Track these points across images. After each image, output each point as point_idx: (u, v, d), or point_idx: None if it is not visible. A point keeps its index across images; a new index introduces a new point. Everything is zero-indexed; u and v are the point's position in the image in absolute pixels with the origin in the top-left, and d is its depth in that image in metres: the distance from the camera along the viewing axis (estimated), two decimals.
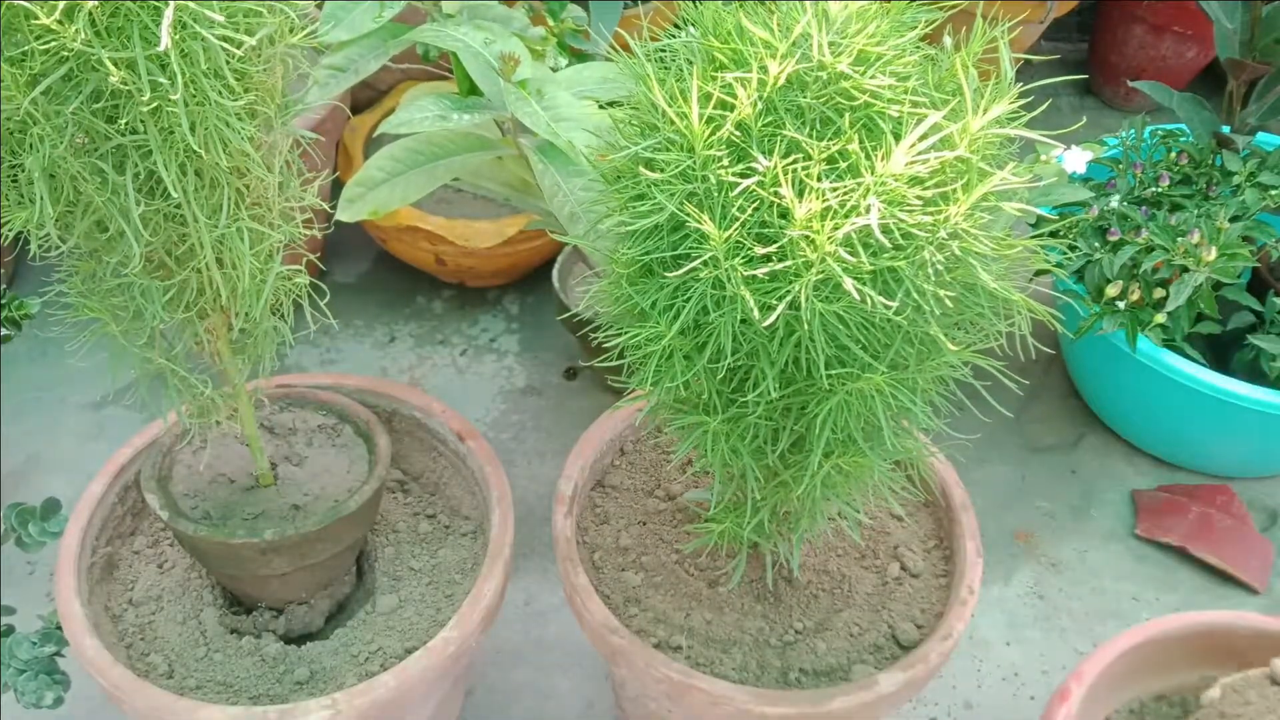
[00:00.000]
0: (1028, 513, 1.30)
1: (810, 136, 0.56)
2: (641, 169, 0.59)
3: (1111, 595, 1.22)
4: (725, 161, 0.56)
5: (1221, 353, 1.28)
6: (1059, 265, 1.19)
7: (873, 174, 0.54)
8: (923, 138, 0.54)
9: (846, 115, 0.56)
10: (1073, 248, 1.23)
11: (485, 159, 0.94)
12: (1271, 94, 1.30)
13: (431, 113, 0.87)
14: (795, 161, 0.55)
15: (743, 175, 0.56)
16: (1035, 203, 1.13)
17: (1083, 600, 1.21)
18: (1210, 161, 1.31)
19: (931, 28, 0.60)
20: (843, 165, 0.56)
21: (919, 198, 0.54)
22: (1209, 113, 1.32)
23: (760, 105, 0.56)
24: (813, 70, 0.56)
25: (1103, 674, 0.85)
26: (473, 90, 0.91)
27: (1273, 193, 1.24)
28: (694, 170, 0.57)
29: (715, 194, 0.57)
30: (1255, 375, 1.20)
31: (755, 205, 0.56)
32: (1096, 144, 1.23)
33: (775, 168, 0.55)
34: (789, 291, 0.55)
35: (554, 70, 0.99)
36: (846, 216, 0.53)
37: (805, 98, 0.57)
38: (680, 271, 0.57)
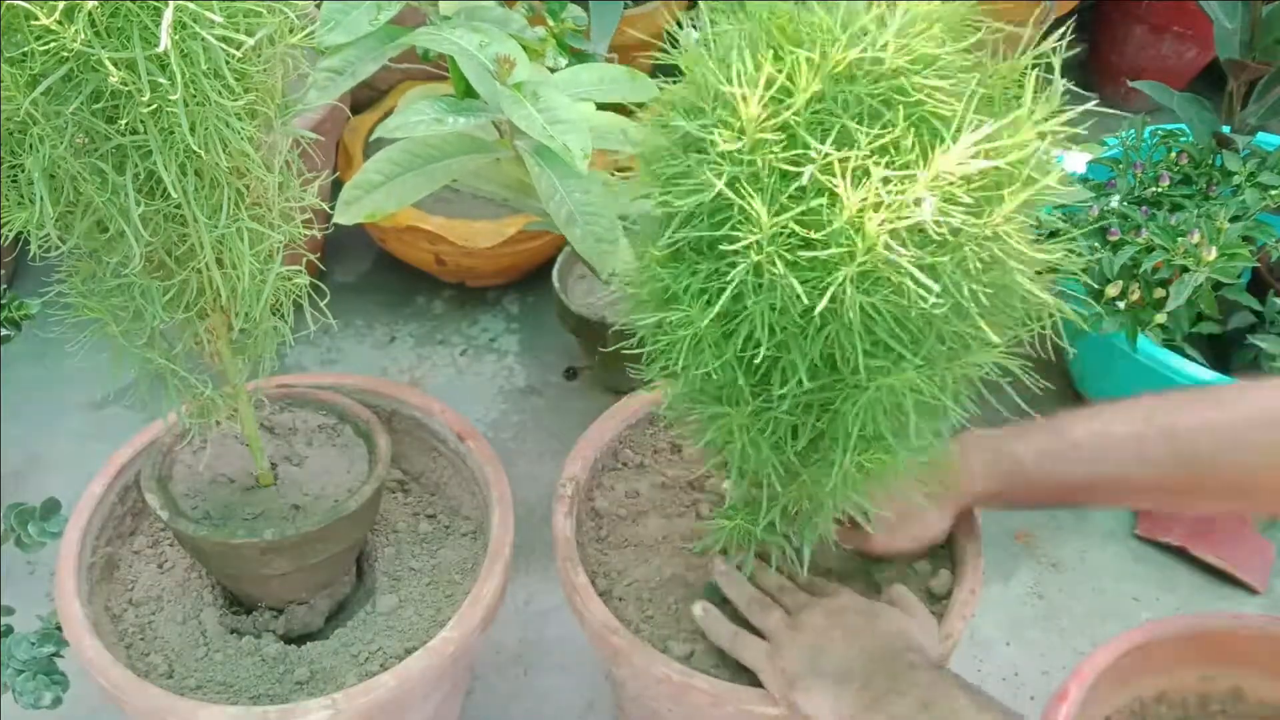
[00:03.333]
0: (1028, 513, 1.30)
1: (861, 129, 0.56)
2: (691, 151, 0.58)
3: (1111, 595, 1.22)
4: (776, 147, 0.56)
5: (1221, 353, 1.28)
6: (1056, 269, 1.19)
7: (926, 169, 0.54)
8: (983, 140, 0.54)
9: (900, 109, 0.56)
10: (1074, 248, 1.23)
11: (483, 161, 0.94)
12: (1271, 94, 1.30)
13: (428, 116, 0.87)
14: (847, 152, 0.55)
15: (792, 162, 0.56)
16: (1037, 204, 1.13)
17: (1083, 600, 1.21)
18: (1210, 161, 1.31)
19: (991, 37, 0.60)
20: (895, 158, 0.56)
21: (970, 195, 0.54)
22: (1209, 113, 1.32)
23: (812, 93, 0.56)
24: (864, 64, 0.56)
25: (1103, 674, 0.85)
26: (469, 93, 0.91)
27: (1273, 193, 1.25)
28: (743, 153, 0.57)
29: (763, 178, 0.57)
30: (1255, 375, 1.20)
31: (802, 192, 0.56)
32: (1096, 144, 1.23)
33: (828, 156, 0.55)
34: (831, 281, 0.55)
35: (553, 71, 0.99)
36: (897, 210, 0.54)
37: (857, 89, 0.57)
38: (727, 249, 0.57)
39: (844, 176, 0.54)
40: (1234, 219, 1.21)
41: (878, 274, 0.54)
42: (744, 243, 0.56)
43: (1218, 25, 1.31)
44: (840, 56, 0.55)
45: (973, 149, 0.54)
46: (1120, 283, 1.19)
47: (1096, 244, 1.22)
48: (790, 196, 0.56)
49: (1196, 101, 1.32)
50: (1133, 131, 1.34)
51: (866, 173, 0.54)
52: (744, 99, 0.55)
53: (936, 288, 0.55)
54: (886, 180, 0.54)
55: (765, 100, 0.56)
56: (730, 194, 0.56)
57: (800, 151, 0.56)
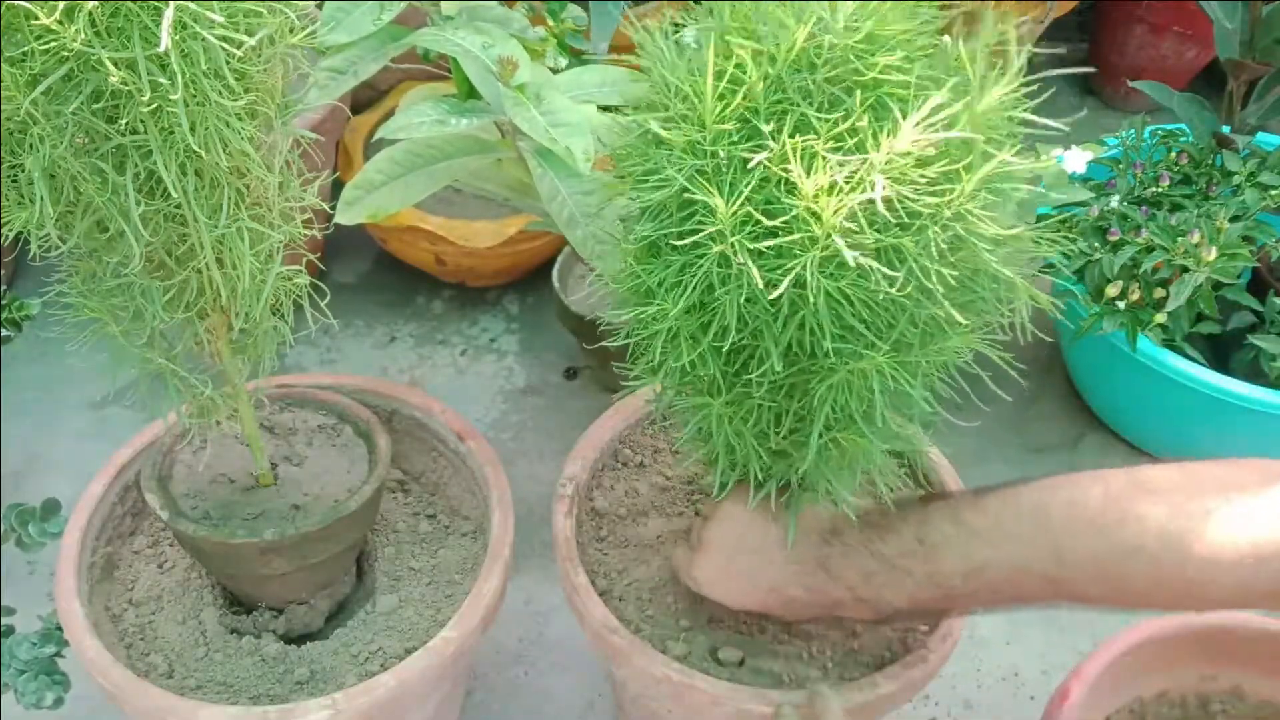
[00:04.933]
0: None
1: (818, 115, 0.57)
2: (656, 146, 0.59)
3: None
4: (734, 137, 0.57)
5: (1221, 353, 1.28)
6: (1054, 266, 1.19)
7: (879, 151, 0.54)
8: (929, 115, 0.54)
9: (856, 95, 0.57)
10: (1073, 246, 1.23)
11: (485, 161, 0.94)
12: (1271, 94, 1.30)
13: (429, 117, 0.87)
14: (804, 139, 0.56)
15: (753, 152, 0.56)
16: (1036, 203, 1.13)
17: None
18: (1210, 161, 1.31)
19: (942, 24, 0.60)
20: (850, 143, 0.56)
21: (924, 177, 0.55)
22: (1209, 113, 1.32)
23: (770, 82, 0.57)
24: (822, 50, 0.57)
25: (1103, 674, 0.85)
26: (471, 94, 0.91)
27: (1273, 193, 1.24)
28: (703, 145, 0.57)
29: (724, 170, 0.57)
30: (1255, 375, 1.20)
31: (762, 180, 0.56)
32: (1096, 144, 1.23)
33: (783, 144, 0.55)
34: (794, 268, 0.55)
35: (554, 71, 0.99)
36: (853, 192, 0.54)
37: (814, 78, 0.57)
38: (687, 242, 0.57)
39: (799, 162, 0.54)
40: (1234, 219, 1.21)
41: (841, 258, 0.55)
42: (707, 233, 0.56)
43: (1218, 25, 1.31)
44: (790, 45, 0.55)
45: (924, 125, 0.54)
46: (1120, 283, 1.19)
47: (1096, 244, 1.22)
48: (752, 186, 0.56)
49: (1196, 101, 1.32)
50: (1133, 131, 1.34)
51: (823, 158, 0.55)
52: (696, 91, 0.56)
53: (891, 273, 0.55)
54: (842, 164, 0.54)
55: (721, 92, 0.56)
56: (690, 186, 0.57)
57: (760, 142, 0.56)
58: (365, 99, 1.54)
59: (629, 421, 0.99)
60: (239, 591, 0.91)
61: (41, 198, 0.60)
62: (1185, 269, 1.17)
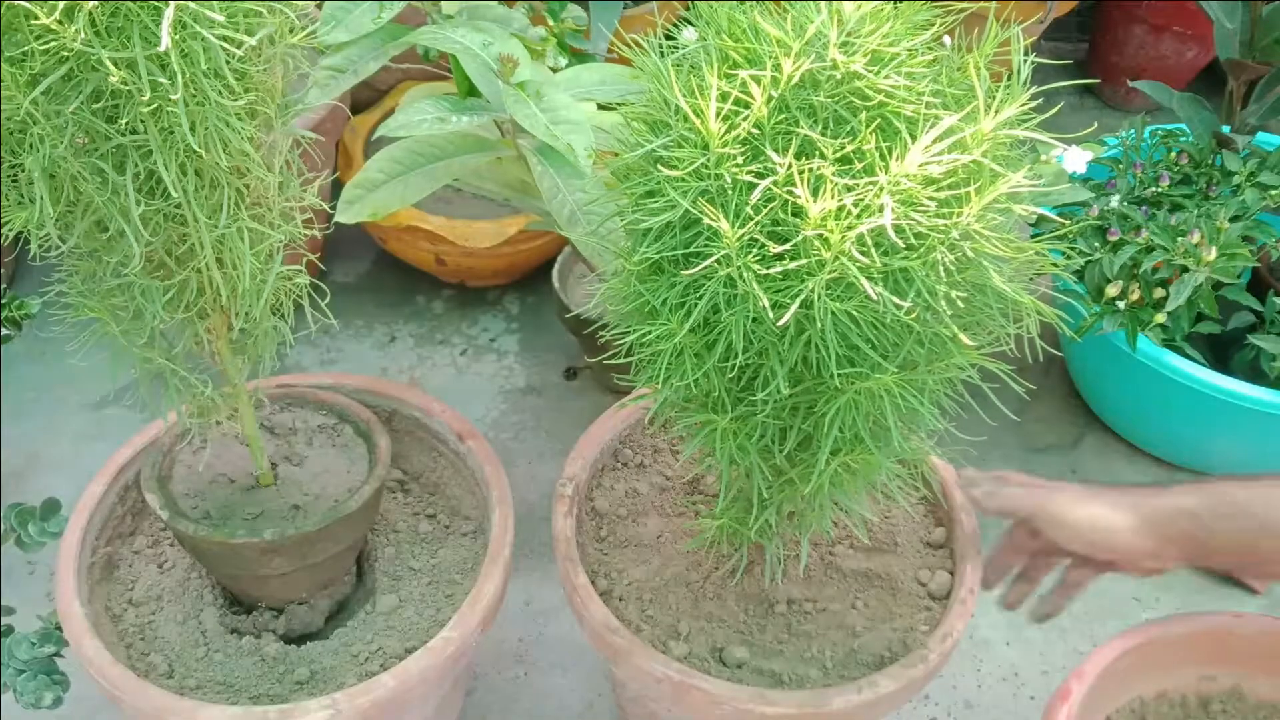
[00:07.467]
0: None
1: (823, 135, 0.56)
2: (658, 167, 0.59)
3: (1111, 595, 1.22)
4: (739, 160, 0.56)
5: (1221, 353, 1.28)
6: (1055, 266, 1.18)
7: (887, 174, 0.54)
8: (938, 139, 0.54)
9: (861, 114, 0.56)
10: (1073, 247, 1.22)
11: (485, 160, 0.94)
12: (1271, 94, 1.30)
13: (430, 115, 0.87)
14: (809, 161, 0.55)
15: (757, 174, 0.56)
16: (1036, 203, 1.13)
17: (1083, 600, 1.21)
18: (1210, 161, 1.31)
19: (945, 29, 0.60)
20: (857, 165, 0.56)
21: (931, 198, 0.54)
22: (1209, 113, 1.32)
23: (774, 103, 0.57)
24: (826, 69, 0.56)
25: (1103, 674, 0.85)
26: (472, 92, 0.91)
27: (1273, 193, 1.24)
28: (708, 168, 0.57)
29: (729, 192, 0.57)
30: (1255, 375, 1.20)
31: (769, 203, 0.56)
32: (1096, 144, 1.23)
33: (790, 167, 0.55)
34: (801, 290, 0.55)
35: (554, 70, 1.00)
36: (860, 216, 0.54)
37: (818, 96, 0.57)
38: (694, 270, 0.57)
39: (806, 186, 0.54)
40: (1234, 219, 1.21)
41: (848, 281, 0.54)
42: (714, 256, 0.56)
43: (1218, 25, 1.31)
44: (791, 72, 0.55)
45: (933, 148, 0.54)
46: (1120, 283, 1.19)
47: (1097, 244, 1.22)
48: (757, 208, 0.56)
49: (1196, 101, 1.32)
50: (1133, 131, 1.34)
51: (830, 181, 0.54)
52: (698, 112, 0.55)
53: (899, 301, 0.55)
54: (849, 188, 0.54)
55: (724, 114, 0.56)
56: (695, 209, 0.57)
57: (764, 164, 0.56)
58: (365, 99, 1.54)
59: (629, 421, 0.99)
60: (239, 591, 0.91)
61: (41, 198, 0.60)
62: (1185, 269, 1.17)
